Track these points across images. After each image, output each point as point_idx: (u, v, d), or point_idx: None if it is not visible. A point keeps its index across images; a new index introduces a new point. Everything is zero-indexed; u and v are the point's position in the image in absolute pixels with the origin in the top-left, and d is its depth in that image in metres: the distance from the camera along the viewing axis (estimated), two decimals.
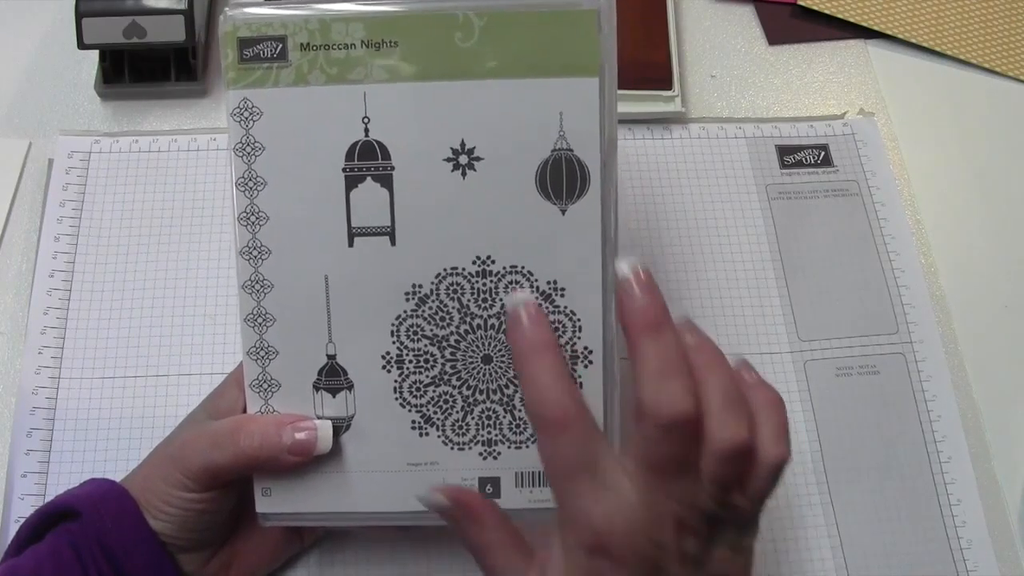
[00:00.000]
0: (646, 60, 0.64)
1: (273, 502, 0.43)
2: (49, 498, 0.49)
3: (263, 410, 0.43)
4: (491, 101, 0.41)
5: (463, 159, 0.41)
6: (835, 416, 0.55)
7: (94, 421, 0.53)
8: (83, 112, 0.63)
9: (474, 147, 0.41)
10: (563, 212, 0.41)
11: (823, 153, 0.63)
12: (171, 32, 0.59)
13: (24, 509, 0.49)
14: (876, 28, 0.69)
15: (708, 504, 0.37)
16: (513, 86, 0.41)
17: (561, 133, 0.41)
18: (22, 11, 0.67)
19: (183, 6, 0.59)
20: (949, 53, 0.68)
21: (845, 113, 0.65)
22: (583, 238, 0.41)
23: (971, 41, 0.69)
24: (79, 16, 0.58)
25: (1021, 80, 0.68)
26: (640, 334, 0.37)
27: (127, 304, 0.56)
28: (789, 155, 0.63)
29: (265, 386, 0.43)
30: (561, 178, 0.41)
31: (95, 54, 0.62)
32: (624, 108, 0.62)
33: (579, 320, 0.42)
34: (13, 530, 0.46)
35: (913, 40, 0.69)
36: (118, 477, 0.45)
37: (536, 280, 0.42)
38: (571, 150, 0.41)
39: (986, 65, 0.68)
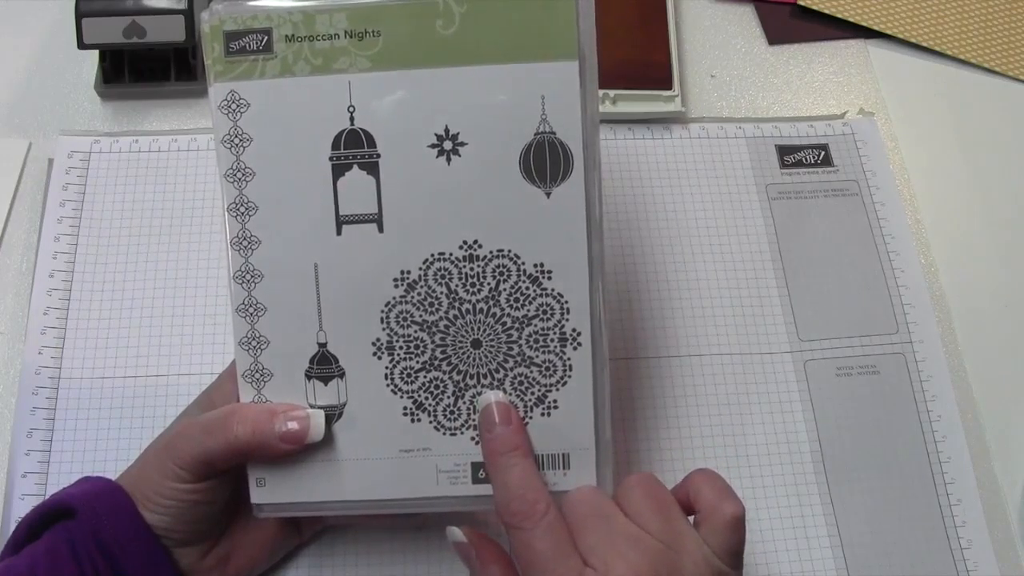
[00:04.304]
0: (646, 60, 0.64)
1: (267, 492, 0.43)
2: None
3: (256, 400, 0.43)
4: (473, 87, 0.41)
5: (447, 145, 0.42)
6: (835, 416, 0.55)
7: (94, 421, 0.53)
8: (83, 112, 0.63)
9: (458, 133, 0.41)
10: (548, 195, 0.42)
11: (823, 153, 0.63)
12: (171, 32, 0.59)
13: (24, 509, 0.49)
14: (876, 28, 0.69)
15: None
16: (495, 72, 0.41)
17: (543, 117, 0.41)
18: (22, 11, 0.67)
19: (183, 6, 0.59)
20: (949, 53, 0.68)
21: (845, 113, 0.65)
22: (568, 220, 0.42)
23: (971, 41, 0.69)
24: (79, 16, 0.58)
25: (1021, 80, 0.68)
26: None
27: (127, 304, 0.56)
28: (789, 155, 0.63)
29: (257, 376, 0.43)
30: (544, 161, 0.41)
31: (95, 54, 0.62)
32: (624, 108, 0.62)
33: (567, 302, 0.42)
34: None
35: (913, 40, 0.69)
36: (117, 477, 0.45)
37: (523, 263, 0.42)
38: (553, 133, 0.41)
39: (986, 65, 0.68)
